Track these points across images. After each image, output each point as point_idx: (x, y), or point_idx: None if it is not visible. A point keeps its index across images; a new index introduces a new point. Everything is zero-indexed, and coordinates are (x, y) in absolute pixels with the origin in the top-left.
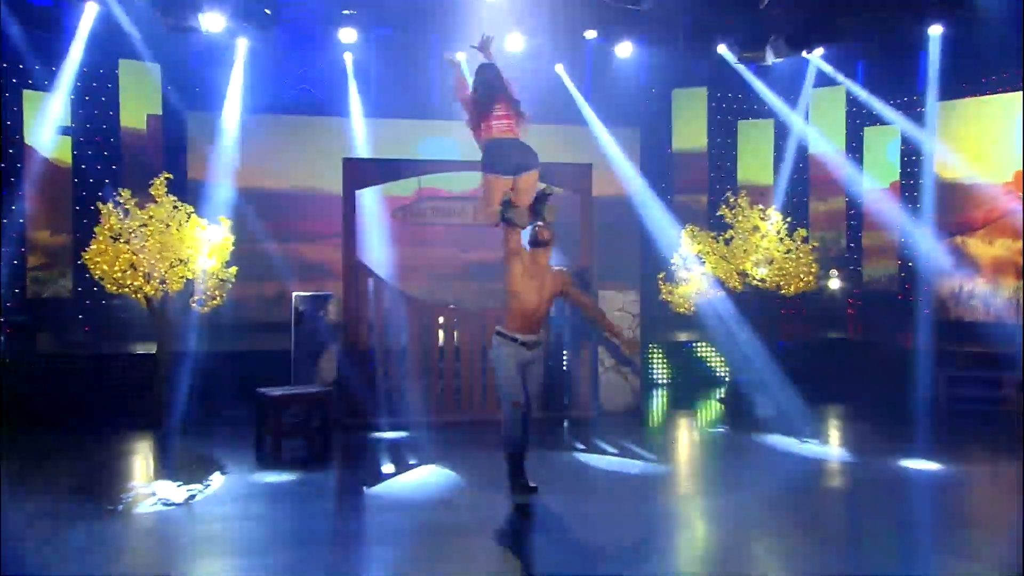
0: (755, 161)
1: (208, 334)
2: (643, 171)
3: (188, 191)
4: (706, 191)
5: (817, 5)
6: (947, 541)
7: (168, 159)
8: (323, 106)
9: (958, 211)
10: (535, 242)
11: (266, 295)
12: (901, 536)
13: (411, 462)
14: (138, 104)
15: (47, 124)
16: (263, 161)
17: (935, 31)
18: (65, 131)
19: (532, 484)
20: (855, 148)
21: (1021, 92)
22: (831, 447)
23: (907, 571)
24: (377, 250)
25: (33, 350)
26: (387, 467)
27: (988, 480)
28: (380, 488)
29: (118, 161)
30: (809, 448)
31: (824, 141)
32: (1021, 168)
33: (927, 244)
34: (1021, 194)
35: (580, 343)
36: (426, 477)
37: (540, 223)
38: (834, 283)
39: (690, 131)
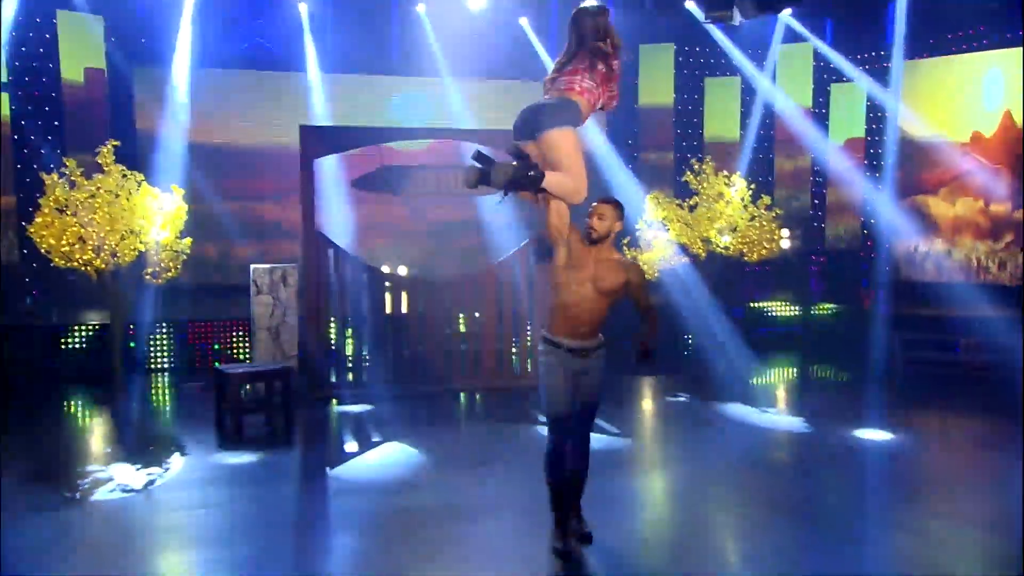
0: (722, 118)
1: (163, 301)
2: (609, 127)
3: (138, 148)
4: (672, 148)
5: None
6: (900, 512)
7: (115, 116)
8: (278, 61)
9: (921, 169)
10: (585, 231)
11: (220, 258)
12: (850, 508)
13: (374, 439)
14: (78, 58)
15: None
16: (216, 117)
17: None
18: (1, 87)
19: (566, 549)
20: (822, 104)
21: (1021, 48)
22: (791, 417)
23: (852, 541)
24: (336, 209)
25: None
26: (350, 445)
27: (943, 449)
28: (343, 469)
29: (60, 117)
30: (769, 418)
31: (790, 99)
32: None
33: (886, 204)
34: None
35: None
36: (389, 456)
37: (596, 202)
38: (793, 243)
39: (657, 87)
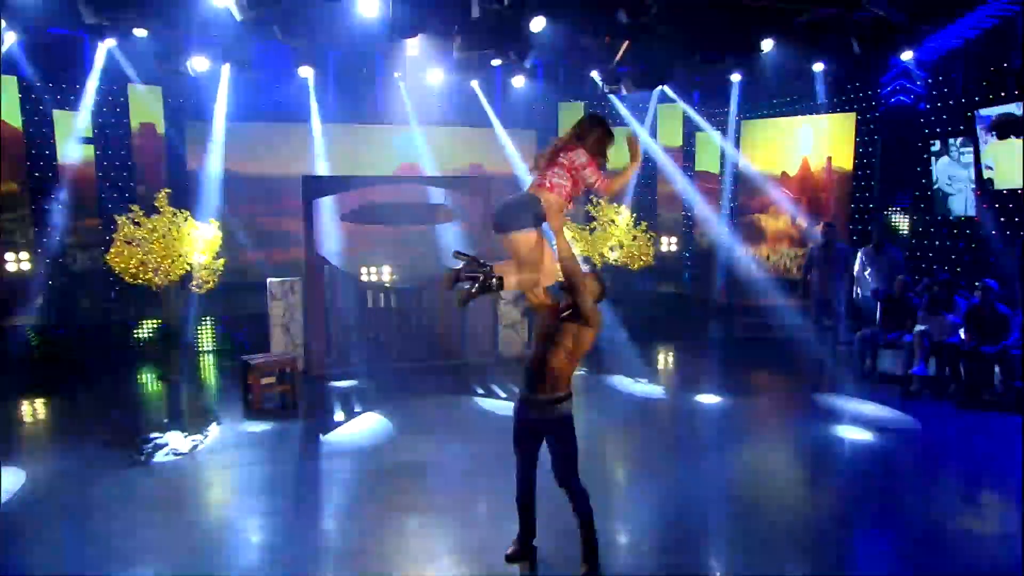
0: (620, 155)
1: (204, 303)
2: None
3: (188, 184)
4: None
5: (655, 59)
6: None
7: (170, 159)
8: (291, 114)
9: (754, 195)
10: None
11: (246, 261)
12: (682, 454)
13: (356, 410)
14: (143, 117)
15: (74, 135)
16: (245, 156)
17: (736, 78)
18: (88, 140)
19: (508, 554)
20: (691, 144)
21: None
22: (654, 386)
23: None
24: (331, 223)
25: (74, 316)
26: (338, 415)
27: (755, 407)
28: (332, 435)
29: (131, 159)
30: (639, 386)
31: (667, 142)
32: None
33: (721, 220)
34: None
35: (481, 300)
36: (366, 425)
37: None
38: (669, 247)
39: None
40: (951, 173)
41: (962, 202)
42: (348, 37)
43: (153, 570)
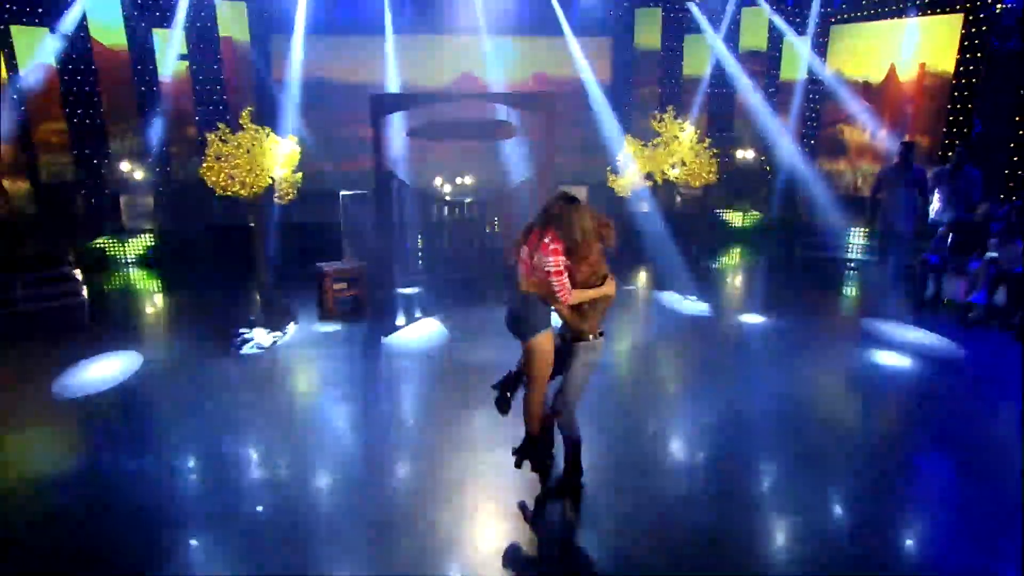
0: (695, 61)
1: (285, 212)
2: (614, 68)
3: (272, 93)
4: (658, 83)
5: None
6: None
7: (256, 70)
8: (366, 27)
9: (837, 106)
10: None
11: (320, 169)
12: (710, 369)
13: (416, 315)
14: (231, 30)
15: (171, 52)
16: (323, 65)
17: None
18: (183, 57)
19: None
20: (777, 49)
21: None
22: (702, 303)
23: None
24: (401, 134)
25: (182, 220)
26: (400, 320)
27: (792, 327)
28: (394, 338)
29: (222, 73)
30: (687, 304)
31: (744, 51)
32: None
33: (789, 133)
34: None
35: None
36: (424, 330)
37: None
38: (743, 160)
39: (648, 37)
40: None
41: None
42: None
43: (243, 440)
